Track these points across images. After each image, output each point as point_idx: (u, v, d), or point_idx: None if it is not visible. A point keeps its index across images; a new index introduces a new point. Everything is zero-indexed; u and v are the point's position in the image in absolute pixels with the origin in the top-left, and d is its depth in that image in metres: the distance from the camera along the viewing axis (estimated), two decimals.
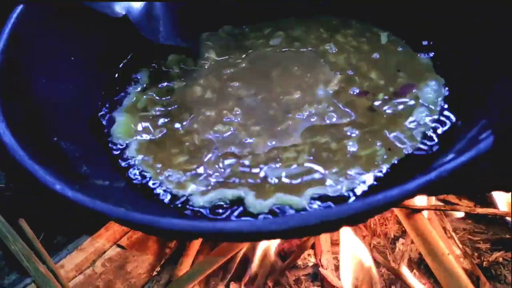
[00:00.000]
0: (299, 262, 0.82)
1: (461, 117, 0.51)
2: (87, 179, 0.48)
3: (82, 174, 0.49)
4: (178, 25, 0.67)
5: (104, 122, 0.59)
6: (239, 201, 0.48)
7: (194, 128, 0.57)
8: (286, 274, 0.80)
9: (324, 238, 0.80)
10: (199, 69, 0.65)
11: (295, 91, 0.59)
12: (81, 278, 0.72)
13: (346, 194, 0.46)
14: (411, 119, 0.53)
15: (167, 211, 0.48)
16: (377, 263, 0.77)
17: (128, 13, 0.62)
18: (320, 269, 0.77)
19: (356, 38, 0.64)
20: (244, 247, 0.79)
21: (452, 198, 0.85)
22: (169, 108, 0.60)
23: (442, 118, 0.52)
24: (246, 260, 0.80)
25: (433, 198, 0.81)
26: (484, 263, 0.78)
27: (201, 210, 0.48)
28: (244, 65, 0.64)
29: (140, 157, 0.54)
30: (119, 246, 0.77)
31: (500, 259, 0.78)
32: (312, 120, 0.55)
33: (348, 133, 0.52)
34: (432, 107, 0.53)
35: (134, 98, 0.62)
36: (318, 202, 0.46)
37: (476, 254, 0.80)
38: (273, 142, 0.53)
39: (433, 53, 0.59)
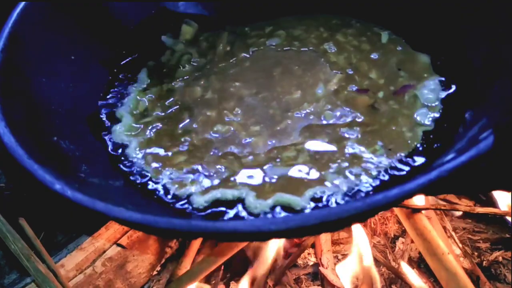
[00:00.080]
0: (300, 261, 0.82)
1: (461, 117, 0.51)
2: (87, 178, 0.48)
3: (82, 173, 0.49)
4: None
5: (104, 122, 0.59)
6: (239, 201, 0.48)
7: (194, 127, 0.57)
8: (287, 273, 0.80)
9: (325, 238, 0.80)
10: (199, 69, 0.65)
11: (295, 90, 0.59)
12: (81, 278, 0.72)
13: (346, 193, 0.46)
14: (411, 118, 0.52)
15: (167, 210, 0.48)
16: (377, 262, 0.77)
17: None
18: (320, 268, 0.77)
19: (357, 38, 0.64)
20: (244, 246, 0.79)
21: (452, 197, 0.85)
22: (169, 108, 0.60)
23: (442, 118, 0.52)
24: (247, 259, 0.80)
25: (433, 197, 0.81)
26: (484, 262, 0.78)
27: (201, 209, 0.48)
28: (245, 64, 0.64)
29: (140, 156, 0.54)
30: (119, 245, 0.77)
31: (500, 259, 0.78)
32: (311, 119, 0.55)
33: (348, 133, 0.52)
34: (432, 107, 0.53)
35: (135, 98, 0.62)
36: (318, 202, 0.46)
37: (476, 253, 0.80)
38: (273, 141, 0.53)
39: (433, 53, 0.59)
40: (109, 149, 0.56)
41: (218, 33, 0.70)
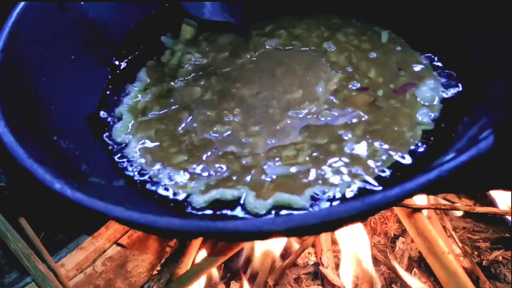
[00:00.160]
0: (300, 260, 0.82)
1: (461, 116, 0.51)
2: (87, 178, 0.48)
3: (82, 173, 0.49)
4: (224, 1, 0.63)
5: (104, 121, 0.59)
6: (238, 201, 0.48)
7: (194, 127, 0.57)
8: (287, 273, 0.80)
9: (325, 237, 0.80)
10: (199, 69, 0.65)
11: (296, 89, 0.59)
12: (82, 277, 0.72)
13: (346, 193, 0.46)
14: (411, 117, 0.52)
15: (166, 210, 0.48)
16: (377, 262, 0.77)
17: None
18: (321, 267, 0.77)
19: (357, 37, 0.64)
20: (245, 246, 0.79)
21: (452, 197, 0.85)
22: (169, 108, 0.60)
23: (442, 117, 0.52)
24: (247, 259, 0.80)
25: (433, 197, 0.81)
26: (484, 262, 0.78)
27: (200, 209, 0.48)
28: (246, 63, 0.64)
29: (139, 156, 0.54)
30: (119, 245, 0.77)
31: (500, 258, 0.78)
32: (311, 118, 0.55)
33: (348, 132, 0.52)
34: (432, 106, 0.53)
35: (135, 97, 0.62)
36: (318, 201, 0.46)
37: (476, 253, 0.80)
38: (273, 141, 0.53)
39: (433, 52, 0.59)
40: (109, 149, 0.56)
41: (218, 33, 0.70)
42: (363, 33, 0.65)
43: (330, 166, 0.49)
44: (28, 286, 0.68)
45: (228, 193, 0.48)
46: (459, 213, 0.85)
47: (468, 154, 0.34)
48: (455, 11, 0.57)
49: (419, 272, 0.78)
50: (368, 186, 0.47)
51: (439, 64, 0.58)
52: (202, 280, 0.77)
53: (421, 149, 0.49)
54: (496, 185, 0.42)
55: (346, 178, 0.47)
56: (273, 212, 0.46)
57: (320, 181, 0.47)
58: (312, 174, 0.48)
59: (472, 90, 0.52)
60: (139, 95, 0.62)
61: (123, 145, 0.56)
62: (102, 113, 0.60)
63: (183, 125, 0.57)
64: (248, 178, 0.49)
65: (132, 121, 0.58)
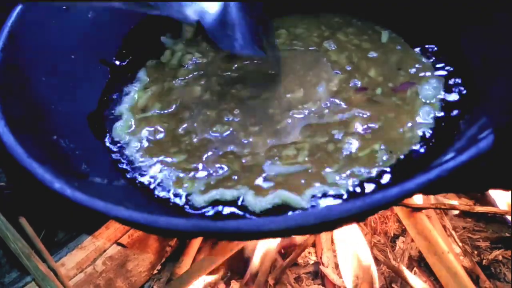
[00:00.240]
0: (300, 260, 0.82)
1: (461, 116, 0.51)
2: (87, 177, 0.48)
3: (82, 172, 0.49)
4: (255, 32, 0.60)
5: (104, 121, 0.59)
6: (238, 200, 0.48)
7: (194, 127, 0.56)
8: (287, 272, 0.80)
9: (325, 236, 0.80)
10: (200, 68, 0.65)
11: (298, 89, 0.59)
12: (82, 277, 0.73)
13: (346, 193, 0.46)
14: (412, 116, 0.52)
15: (166, 209, 0.48)
16: (377, 261, 0.77)
17: (201, 18, 0.58)
18: (321, 267, 0.78)
19: (358, 36, 0.64)
20: (245, 245, 0.79)
21: (451, 196, 0.85)
22: (169, 107, 0.60)
23: (442, 117, 0.52)
24: (247, 258, 0.80)
25: (433, 196, 0.81)
26: (484, 261, 0.78)
27: (200, 208, 0.48)
28: (246, 63, 0.64)
29: (139, 155, 0.54)
30: (119, 244, 0.77)
31: (500, 257, 0.78)
32: (312, 118, 0.55)
33: (348, 132, 0.52)
34: (432, 106, 0.53)
35: (135, 97, 0.62)
36: (318, 201, 0.46)
37: (476, 252, 0.80)
38: (273, 141, 0.53)
39: (433, 52, 0.59)
40: (109, 148, 0.56)
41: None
42: (364, 32, 0.65)
43: (330, 165, 0.49)
44: (28, 285, 0.68)
45: (228, 193, 0.48)
46: (459, 213, 0.85)
47: (468, 153, 0.34)
48: (455, 11, 0.57)
49: (419, 271, 0.78)
50: (368, 186, 0.47)
51: (439, 64, 0.58)
52: (202, 280, 0.77)
53: (421, 149, 0.49)
54: (496, 185, 0.42)
55: (346, 177, 0.47)
56: (273, 211, 0.46)
57: (320, 181, 0.47)
58: (312, 174, 0.48)
59: (472, 90, 0.52)
60: (139, 94, 0.62)
61: (123, 144, 0.56)
62: (102, 113, 0.60)
63: (183, 124, 0.57)
64: (248, 178, 0.49)
65: (132, 121, 0.58)
